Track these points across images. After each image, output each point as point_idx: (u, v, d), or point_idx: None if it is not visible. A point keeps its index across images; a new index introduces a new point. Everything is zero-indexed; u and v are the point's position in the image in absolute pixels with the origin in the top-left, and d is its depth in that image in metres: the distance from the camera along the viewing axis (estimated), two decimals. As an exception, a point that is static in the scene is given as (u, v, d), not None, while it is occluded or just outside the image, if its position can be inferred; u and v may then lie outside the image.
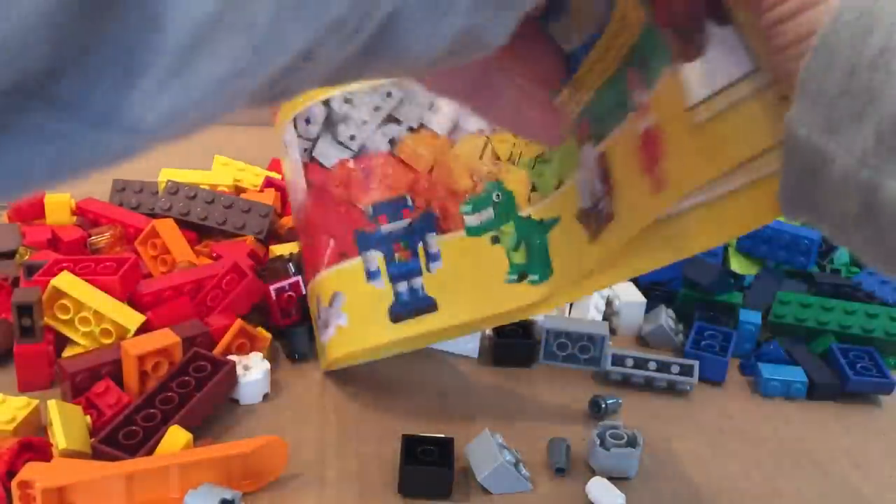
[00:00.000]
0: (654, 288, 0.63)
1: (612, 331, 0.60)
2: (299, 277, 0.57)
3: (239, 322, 0.51)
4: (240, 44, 0.19)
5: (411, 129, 0.49)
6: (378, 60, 0.25)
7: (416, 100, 0.49)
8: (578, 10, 0.35)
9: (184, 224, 0.64)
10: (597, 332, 0.54)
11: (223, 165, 0.75)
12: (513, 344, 0.55)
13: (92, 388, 0.47)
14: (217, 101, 0.20)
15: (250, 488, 0.42)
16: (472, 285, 0.47)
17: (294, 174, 0.52)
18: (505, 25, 0.27)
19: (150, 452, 0.42)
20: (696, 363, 0.53)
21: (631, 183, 0.38)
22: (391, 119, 0.49)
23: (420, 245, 0.48)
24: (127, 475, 0.39)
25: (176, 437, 0.42)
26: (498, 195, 0.47)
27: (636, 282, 0.63)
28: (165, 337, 0.49)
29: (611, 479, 0.43)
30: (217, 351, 0.50)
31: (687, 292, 0.61)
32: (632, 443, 0.45)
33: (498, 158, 0.48)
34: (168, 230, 0.61)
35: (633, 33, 0.35)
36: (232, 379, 0.48)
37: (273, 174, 0.76)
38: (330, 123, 0.50)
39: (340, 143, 0.50)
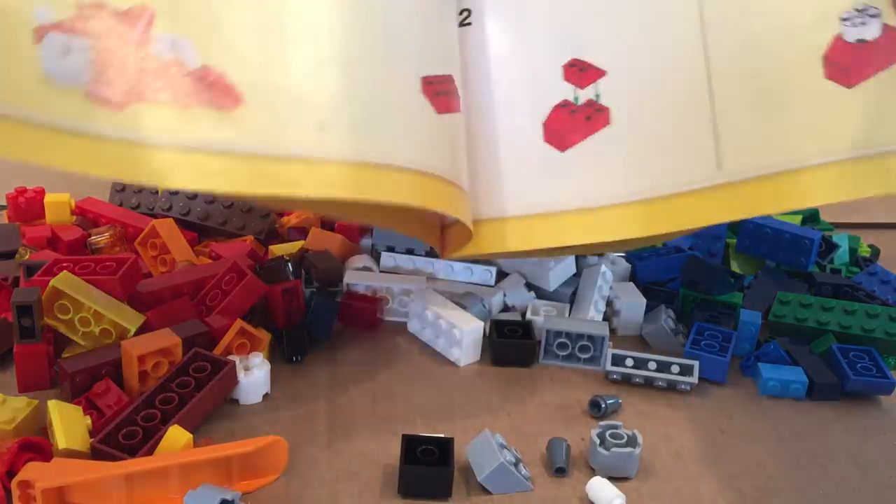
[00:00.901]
0: (653, 288, 0.63)
1: (612, 331, 0.60)
2: (300, 280, 0.57)
3: (239, 322, 0.51)
4: None
5: None
6: None
7: None
8: None
9: (184, 224, 0.64)
10: (597, 332, 0.55)
11: (223, 165, 0.75)
12: (513, 344, 0.55)
13: (92, 388, 0.47)
14: None
15: (250, 488, 0.42)
16: None
17: None
18: None
19: (150, 452, 0.42)
20: (696, 363, 0.53)
21: None
22: None
23: None
24: (127, 475, 0.39)
25: (176, 436, 0.42)
26: None
27: (636, 282, 0.63)
28: (165, 337, 0.49)
29: (611, 479, 0.43)
30: (217, 351, 0.50)
31: (687, 292, 0.61)
32: (632, 443, 0.45)
33: None
34: (168, 230, 0.61)
35: None
36: (232, 379, 0.48)
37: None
38: None
39: None
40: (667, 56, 0.47)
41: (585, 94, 0.48)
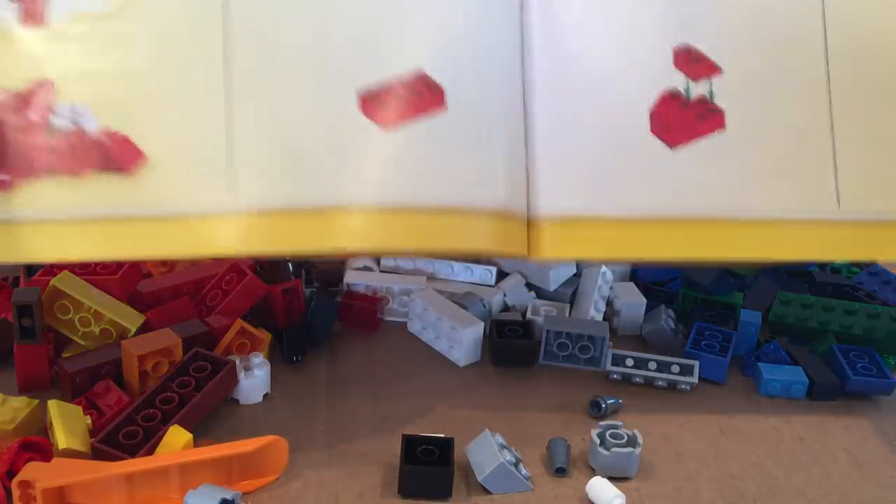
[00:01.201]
0: (653, 288, 0.63)
1: (612, 331, 0.60)
2: (300, 280, 0.57)
3: (239, 322, 0.51)
4: None
5: None
6: None
7: None
8: None
9: (184, 224, 0.64)
10: (597, 333, 0.55)
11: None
12: (513, 344, 0.55)
13: (92, 388, 0.47)
14: None
15: (250, 488, 0.42)
16: None
17: None
18: None
19: (150, 452, 0.42)
20: (696, 363, 0.53)
21: None
22: None
23: None
24: (127, 475, 0.39)
25: (176, 437, 0.42)
26: None
27: (636, 282, 0.63)
28: (166, 337, 0.49)
29: (611, 478, 0.43)
30: (217, 351, 0.50)
31: (687, 292, 0.61)
32: (632, 443, 0.45)
33: None
34: (168, 230, 0.61)
35: None
36: (232, 379, 0.48)
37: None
38: None
39: None
40: (789, 78, 0.45)
41: (698, 89, 0.45)
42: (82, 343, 0.50)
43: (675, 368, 0.53)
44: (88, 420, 0.44)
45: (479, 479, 0.43)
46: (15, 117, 0.39)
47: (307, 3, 0.41)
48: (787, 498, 0.44)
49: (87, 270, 0.54)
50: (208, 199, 0.40)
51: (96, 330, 0.50)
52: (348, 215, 0.40)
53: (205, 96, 0.40)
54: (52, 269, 0.53)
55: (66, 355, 0.50)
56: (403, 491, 0.42)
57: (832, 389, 0.53)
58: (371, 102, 0.41)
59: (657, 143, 0.45)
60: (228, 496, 0.38)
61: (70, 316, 0.50)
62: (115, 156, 0.40)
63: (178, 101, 0.40)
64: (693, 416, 0.51)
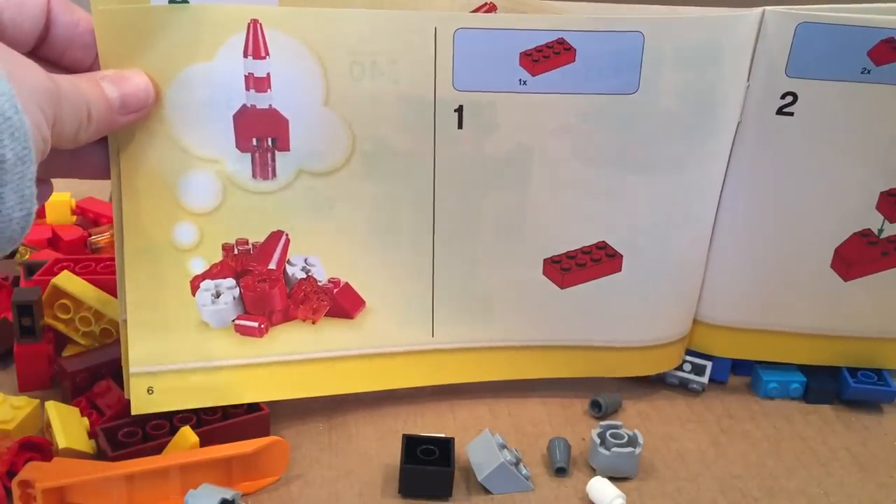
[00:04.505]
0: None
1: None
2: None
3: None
4: None
5: None
6: None
7: None
8: None
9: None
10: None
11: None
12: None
13: (92, 388, 0.47)
14: None
15: (251, 489, 0.42)
16: None
17: None
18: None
19: (153, 453, 0.42)
20: (708, 364, 0.52)
21: None
22: None
23: None
24: (127, 475, 0.39)
25: (185, 438, 0.42)
26: None
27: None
28: (165, 337, 0.49)
29: (611, 478, 0.43)
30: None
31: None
32: (632, 442, 0.45)
33: None
34: (168, 230, 0.60)
35: None
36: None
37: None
38: None
39: None
40: None
41: (892, 229, 0.46)
42: (82, 343, 0.50)
43: (688, 367, 0.53)
44: (86, 421, 0.44)
45: (480, 479, 0.43)
46: (260, 268, 0.43)
47: (516, 184, 0.44)
48: (789, 497, 0.44)
49: (88, 270, 0.54)
50: (413, 340, 0.47)
51: (96, 330, 0.50)
52: (524, 350, 0.49)
53: (416, 253, 0.45)
54: (52, 268, 0.53)
55: (66, 355, 0.50)
56: (403, 491, 0.42)
57: (829, 395, 0.52)
58: (554, 267, 0.46)
59: (832, 275, 0.48)
60: (228, 496, 0.38)
61: (70, 316, 0.50)
62: (342, 303, 0.45)
63: (394, 256, 0.45)
64: (693, 416, 0.51)
